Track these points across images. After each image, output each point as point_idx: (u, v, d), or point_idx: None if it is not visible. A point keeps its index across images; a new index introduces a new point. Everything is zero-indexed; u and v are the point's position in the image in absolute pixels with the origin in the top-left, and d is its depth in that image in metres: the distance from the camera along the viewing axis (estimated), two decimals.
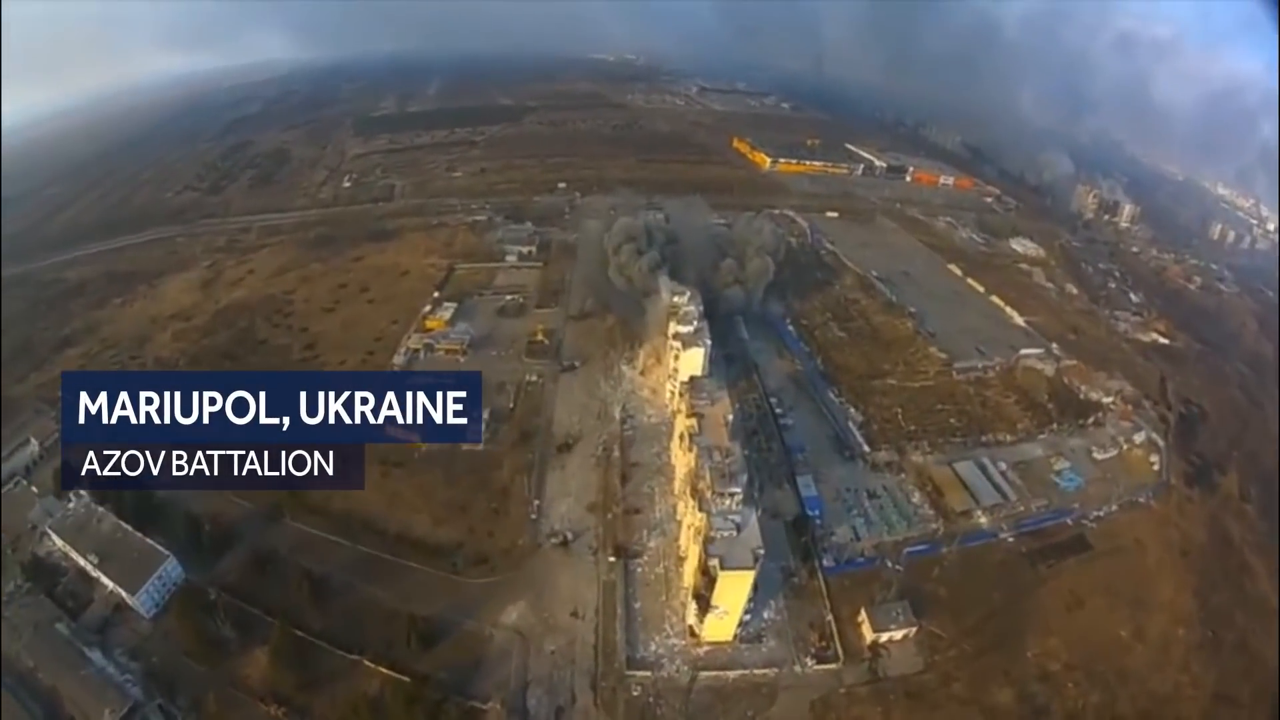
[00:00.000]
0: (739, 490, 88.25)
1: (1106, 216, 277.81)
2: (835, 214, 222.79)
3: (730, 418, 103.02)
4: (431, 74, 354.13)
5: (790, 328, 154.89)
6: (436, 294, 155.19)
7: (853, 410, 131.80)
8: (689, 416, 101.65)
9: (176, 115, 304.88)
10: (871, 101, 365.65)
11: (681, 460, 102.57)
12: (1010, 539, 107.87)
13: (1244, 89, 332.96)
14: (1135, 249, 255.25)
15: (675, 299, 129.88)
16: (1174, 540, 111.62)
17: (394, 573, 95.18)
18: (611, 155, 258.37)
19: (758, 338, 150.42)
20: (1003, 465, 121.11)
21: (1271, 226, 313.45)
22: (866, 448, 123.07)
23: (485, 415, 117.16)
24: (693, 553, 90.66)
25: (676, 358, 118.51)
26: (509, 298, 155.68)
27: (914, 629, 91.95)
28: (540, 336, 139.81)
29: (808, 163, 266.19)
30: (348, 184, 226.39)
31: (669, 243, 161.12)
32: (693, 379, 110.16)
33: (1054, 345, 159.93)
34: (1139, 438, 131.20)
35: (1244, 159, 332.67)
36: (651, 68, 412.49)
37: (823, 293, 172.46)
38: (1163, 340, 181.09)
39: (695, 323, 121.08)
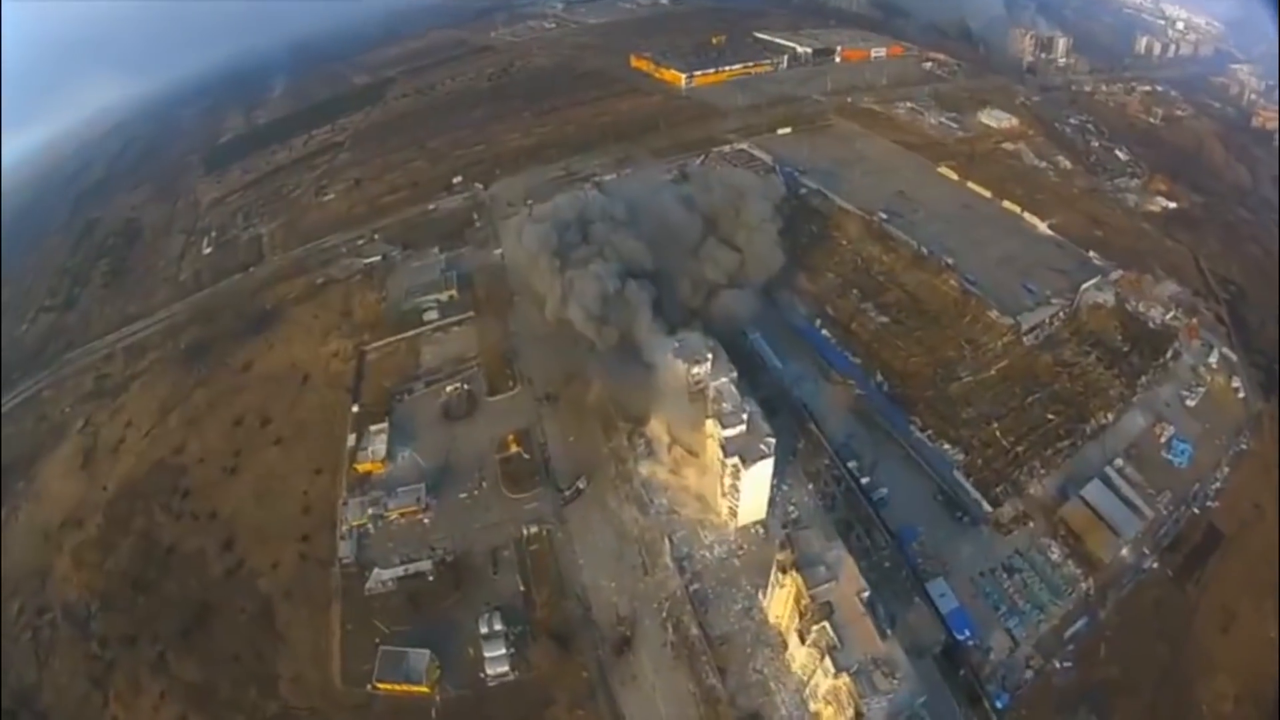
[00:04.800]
0: None
1: (1044, 55, 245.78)
2: (788, 129, 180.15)
3: (866, 593, 67.32)
4: (272, 72, 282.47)
5: (824, 331, 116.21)
6: (356, 408, 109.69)
7: (947, 447, 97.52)
8: (814, 619, 64.87)
9: (22, 208, 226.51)
10: None
11: (822, 679, 66.29)
12: (1155, 565, 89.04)
13: None
14: (1087, 88, 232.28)
15: (694, 369, 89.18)
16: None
17: None
18: (500, 116, 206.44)
19: (788, 357, 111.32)
20: (1119, 463, 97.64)
21: (1182, 26, 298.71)
22: (987, 505, 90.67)
23: (498, 625, 78.14)
24: None
25: (735, 474, 79.78)
26: (450, 388, 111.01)
27: None
28: (514, 447, 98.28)
29: (726, 69, 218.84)
30: (209, 249, 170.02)
31: (617, 227, 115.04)
32: (796, 540, 72.27)
33: (1091, 254, 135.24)
34: (1214, 359, 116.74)
35: None
36: None
37: (831, 254, 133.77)
38: (1170, 204, 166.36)
39: (744, 413, 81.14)
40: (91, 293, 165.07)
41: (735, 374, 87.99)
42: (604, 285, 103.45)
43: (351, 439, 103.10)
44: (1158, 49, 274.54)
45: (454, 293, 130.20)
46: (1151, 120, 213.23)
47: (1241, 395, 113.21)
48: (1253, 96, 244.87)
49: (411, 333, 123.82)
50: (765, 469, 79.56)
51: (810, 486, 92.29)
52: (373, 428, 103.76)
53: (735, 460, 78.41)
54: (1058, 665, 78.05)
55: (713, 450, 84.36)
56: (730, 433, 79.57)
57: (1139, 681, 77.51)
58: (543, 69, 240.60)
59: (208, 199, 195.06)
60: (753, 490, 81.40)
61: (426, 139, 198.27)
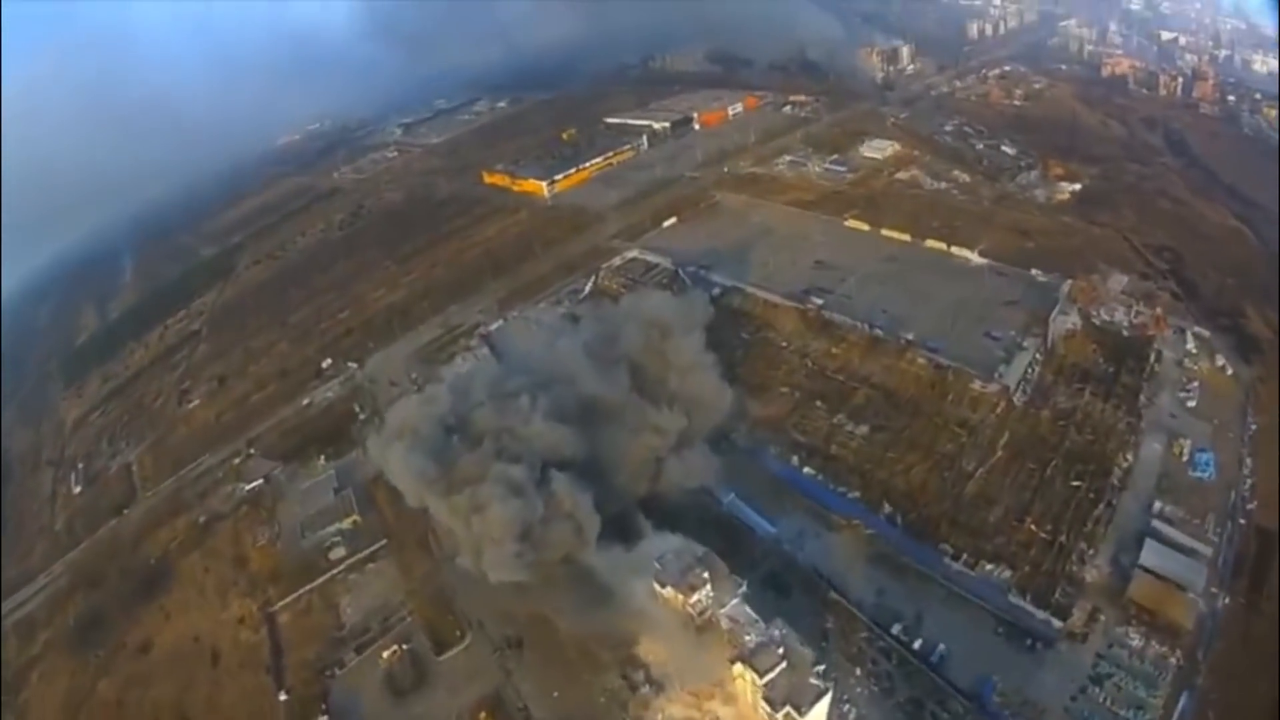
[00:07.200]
0: None
1: (893, 67, 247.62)
2: (673, 219, 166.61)
3: None
4: (120, 254, 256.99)
5: (806, 469, 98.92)
6: (284, 695, 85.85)
7: (990, 567, 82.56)
8: None
9: None
10: (580, 57, 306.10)
11: None
12: (1225, 600, 78.48)
13: None
14: (944, 88, 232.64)
15: (692, 596, 70.20)
16: None
17: None
18: (360, 270, 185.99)
19: (775, 513, 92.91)
20: (1157, 506, 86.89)
21: (1000, 1, 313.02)
22: (1056, 621, 76.34)
23: None
24: None
25: None
26: (387, 652, 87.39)
27: None
28: None
29: (586, 165, 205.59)
30: (78, 487, 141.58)
31: (509, 405, 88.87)
32: None
33: (1035, 272, 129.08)
34: (1191, 345, 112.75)
35: None
36: (340, 127, 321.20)
37: (774, 363, 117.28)
38: (1074, 186, 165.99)
39: (778, 645, 63.32)
40: None
41: (744, 586, 70.20)
42: (520, 511, 79.30)
43: None
44: (989, 30, 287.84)
45: (356, 518, 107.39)
46: (1016, 102, 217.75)
47: (1230, 371, 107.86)
48: (1089, 48, 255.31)
49: (320, 579, 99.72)
50: (823, 706, 61.77)
51: (858, 671, 75.07)
52: None
53: (787, 710, 60.30)
54: None
55: (744, 688, 66.10)
56: (770, 676, 61.50)
57: None
58: (395, 205, 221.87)
59: (71, 418, 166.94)
60: None
61: (287, 313, 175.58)
